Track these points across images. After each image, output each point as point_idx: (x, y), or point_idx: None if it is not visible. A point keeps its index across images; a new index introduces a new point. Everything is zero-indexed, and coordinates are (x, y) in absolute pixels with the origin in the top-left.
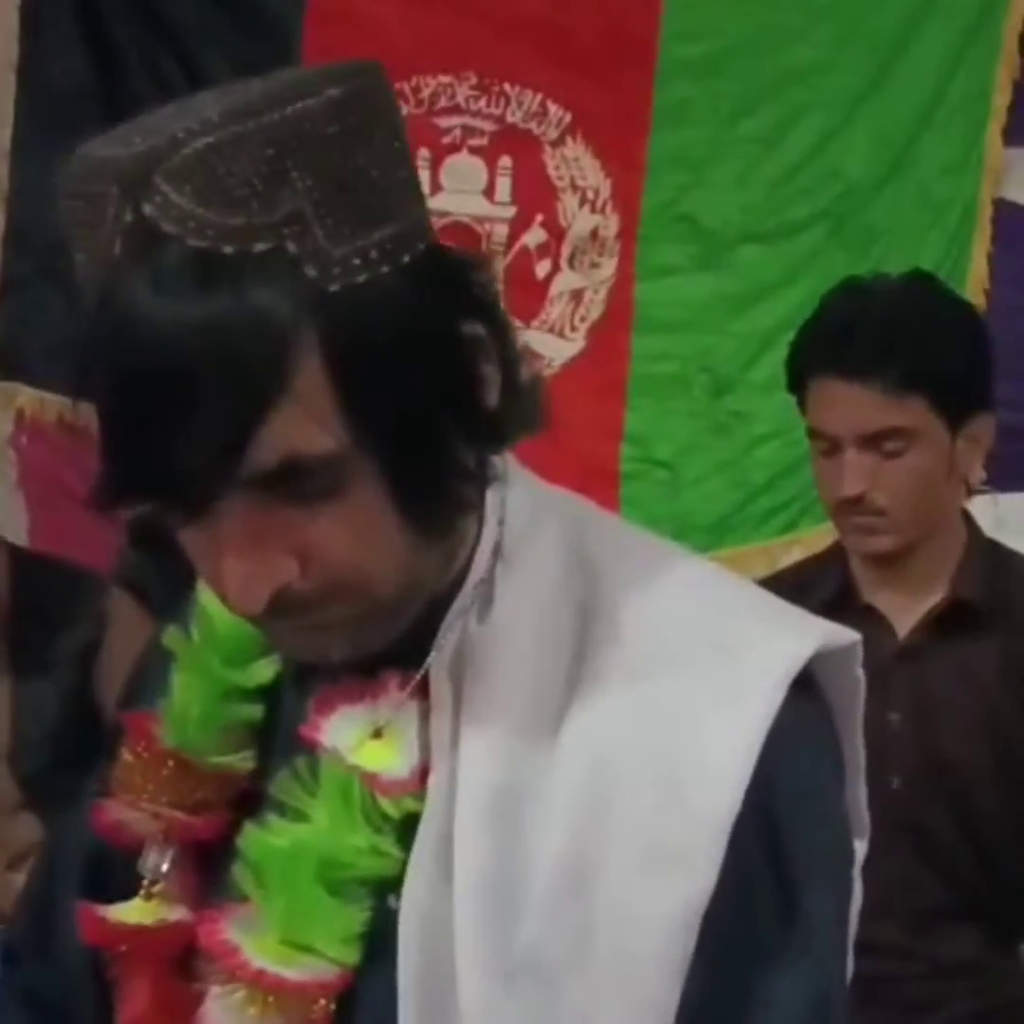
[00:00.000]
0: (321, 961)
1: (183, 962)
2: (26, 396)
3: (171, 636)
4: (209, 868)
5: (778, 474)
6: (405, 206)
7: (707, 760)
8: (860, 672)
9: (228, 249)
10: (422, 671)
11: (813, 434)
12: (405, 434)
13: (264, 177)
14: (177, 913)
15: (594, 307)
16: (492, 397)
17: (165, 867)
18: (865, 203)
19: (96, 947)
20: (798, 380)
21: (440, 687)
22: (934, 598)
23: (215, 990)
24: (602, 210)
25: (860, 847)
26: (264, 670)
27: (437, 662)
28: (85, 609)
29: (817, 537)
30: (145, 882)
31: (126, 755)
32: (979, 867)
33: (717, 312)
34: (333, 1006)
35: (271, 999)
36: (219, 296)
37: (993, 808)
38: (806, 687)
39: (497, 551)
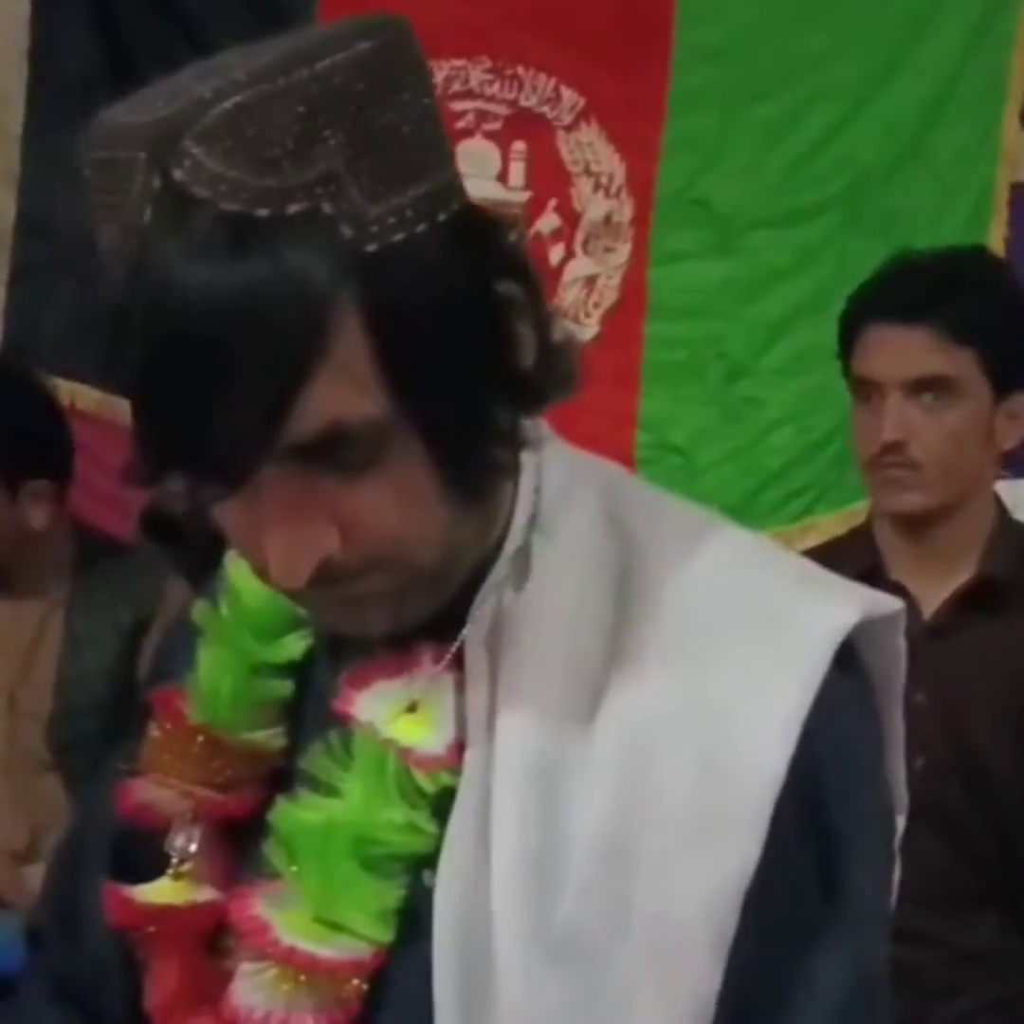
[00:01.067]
0: (354, 939)
1: (211, 943)
2: None
3: (200, 611)
4: (239, 847)
5: (793, 460)
6: (437, 163)
7: (749, 733)
8: (902, 642)
9: (262, 211)
10: (457, 643)
11: (857, 383)
12: (445, 396)
13: (296, 136)
14: (205, 893)
15: (608, 293)
16: (527, 358)
17: (193, 846)
18: (879, 189)
19: (123, 928)
20: (849, 334)
21: (476, 659)
22: (962, 576)
23: (245, 967)
24: (616, 195)
25: (899, 822)
26: (294, 645)
27: (473, 634)
28: (138, 587)
29: (832, 523)
30: (173, 862)
31: (154, 732)
32: (1000, 852)
33: (731, 298)
34: (365, 986)
35: (302, 977)
36: (254, 260)
37: (1016, 792)
38: (848, 658)
39: (533, 520)
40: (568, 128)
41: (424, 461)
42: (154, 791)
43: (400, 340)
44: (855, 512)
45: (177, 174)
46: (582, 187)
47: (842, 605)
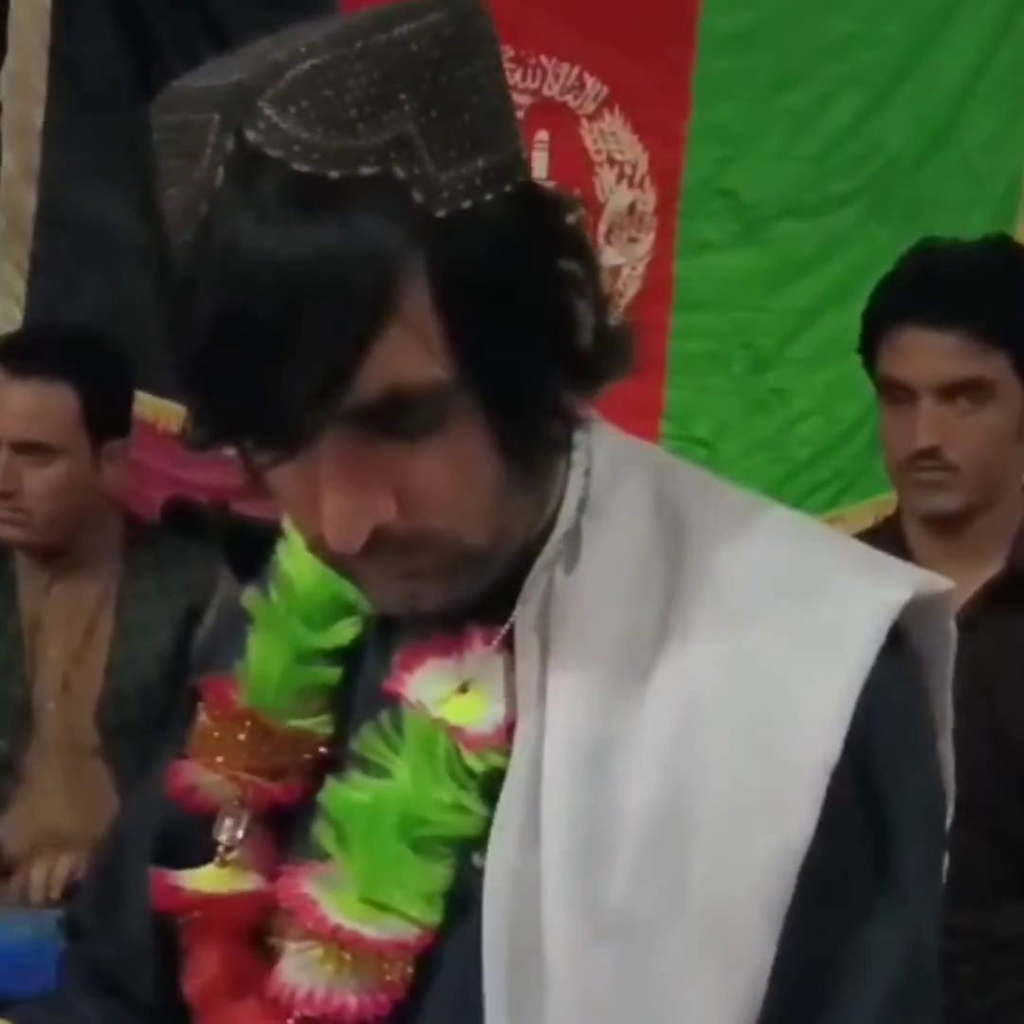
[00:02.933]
0: (401, 921)
1: (254, 932)
2: None
3: (250, 598)
4: (286, 833)
5: (819, 451)
6: (506, 135)
7: (803, 709)
8: (951, 625)
9: (334, 173)
10: (508, 625)
11: (886, 386)
12: (507, 366)
13: (371, 100)
14: (250, 881)
15: (632, 283)
16: (585, 337)
17: (240, 833)
18: (907, 177)
19: (167, 914)
20: (873, 332)
21: (527, 640)
22: (992, 570)
23: (291, 946)
24: (640, 185)
25: (948, 809)
26: (344, 632)
27: (523, 615)
28: (191, 577)
29: (859, 514)
30: (219, 849)
31: (203, 718)
32: None
33: (756, 288)
34: (410, 969)
35: (348, 957)
36: (325, 221)
37: None
38: (898, 639)
39: (583, 502)
40: (591, 117)
41: (482, 431)
42: (202, 776)
43: (466, 305)
44: (882, 502)
45: (251, 135)
46: (605, 177)
47: (894, 583)
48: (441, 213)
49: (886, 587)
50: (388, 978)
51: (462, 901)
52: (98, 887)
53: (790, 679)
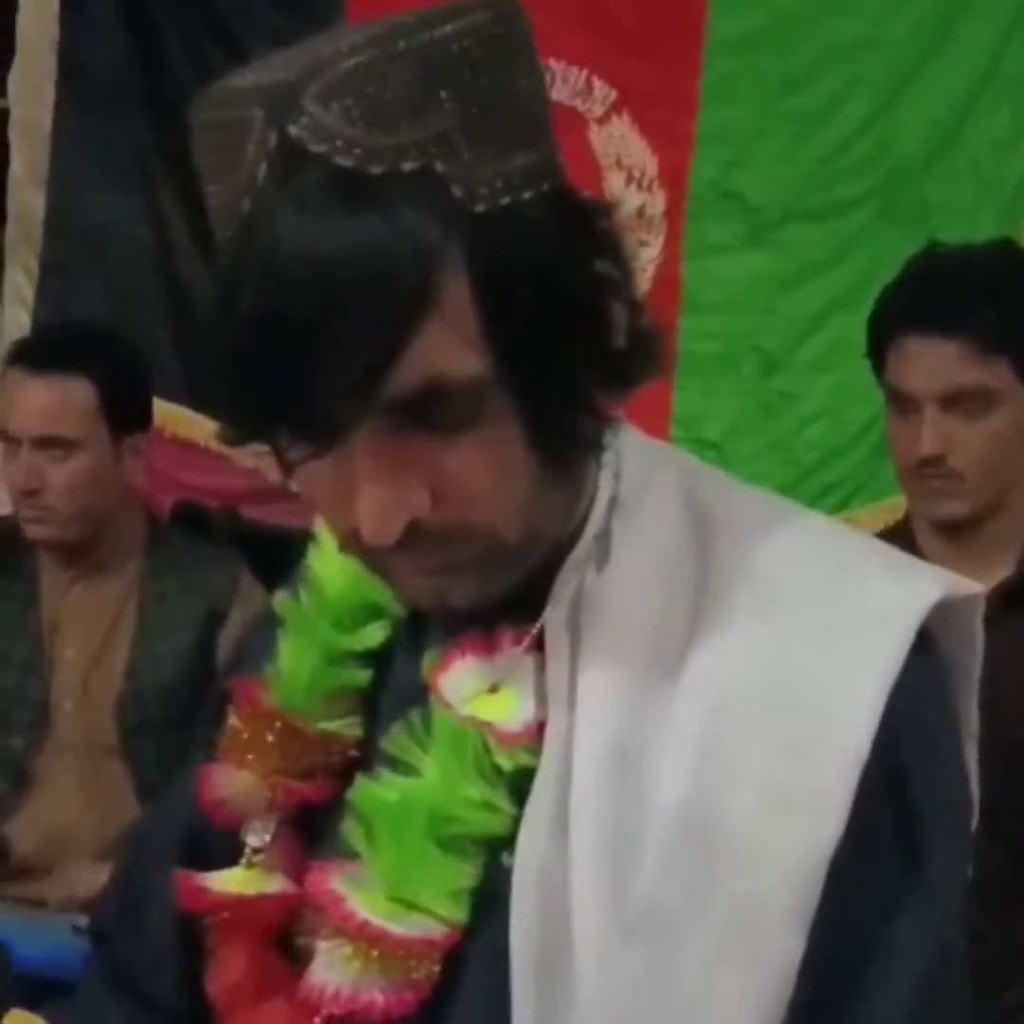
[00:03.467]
0: (429, 919)
1: (280, 934)
2: None
3: (280, 601)
4: (314, 833)
5: (828, 454)
6: (544, 135)
7: (834, 707)
8: (979, 628)
9: (375, 169)
10: (539, 624)
11: (891, 395)
12: (543, 362)
13: (413, 96)
14: (277, 883)
15: (640, 286)
16: (619, 339)
17: (268, 836)
18: (915, 180)
19: (193, 915)
20: (879, 339)
21: (557, 640)
22: (1001, 573)
23: (321, 945)
24: (648, 188)
25: (974, 811)
26: (373, 634)
27: (553, 615)
28: (213, 579)
29: (869, 517)
30: (247, 851)
31: (233, 720)
32: None
33: (765, 291)
34: (437, 968)
35: (375, 954)
36: (366, 215)
37: None
38: (926, 641)
39: (613, 503)
40: (599, 121)
41: (517, 426)
42: (231, 777)
43: (503, 300)
44: (892, 506)
45: (293, 131)
46: (614, 180)
47: (924, 583)
48: (480, 208)
49: (916, 587)
50: (415, 976)
51: (490, 900)
52: (122, 891)
53: (820, 678)
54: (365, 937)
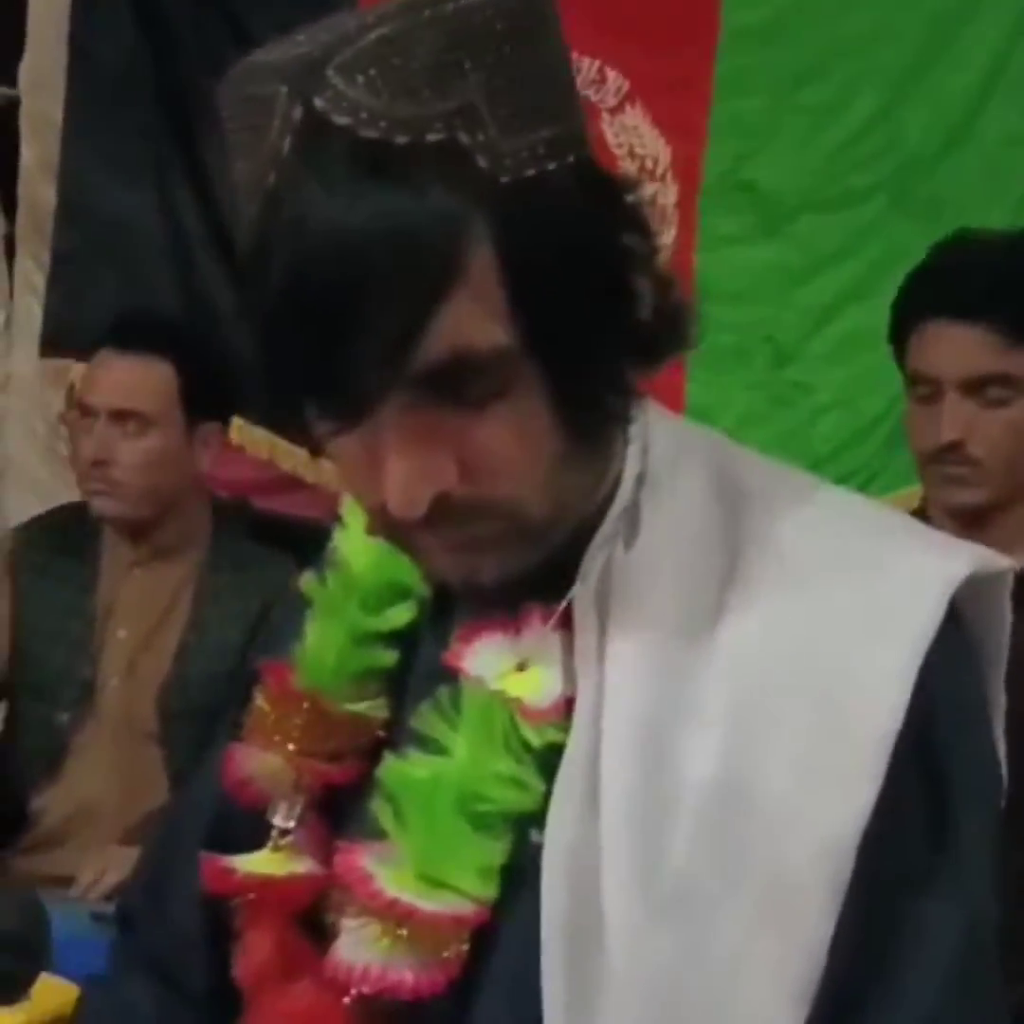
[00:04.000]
0: (458, 896)
1: (307, 915)
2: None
3: (307, 582)
4: (341, 814)
5: (841, 445)
6: (569, 108)
7: (865, 680)
8: (1007, 606)
9: (400, 139)
10: (566, 600)
11: (912, 380)
12: (570, 334)
13: (437, 68)
14: (304, 865)
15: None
16: (645, 313)
17: (295, 817)
18: (927, 172)
19: (219, 897)
20: (903, 324)
21: (585, 616)
22: (1017, 563)
23: (348, 923)
24: (661, 179)
25: (1003, 788)
26: (400, 615)
27: (582, 591)
28: (268, 577)
29: None
30: (274, 833)
31: (260, 701)
32: None
33: (778, 282)
34: (466, 946)
35: (404, 932)
36: (392, 186)
37: None
38: (955, 618)
39: (641, 478)
40: (612, 111)
41: (544, 400)
42: (257, 758)
43: (530, 272)
44: (905, 497)
45: (318, 104)
46: (626, 170)
47: (955, 557)
48: (505, 179)
49: (947, 561)
50: (444, 954)
51: (520, 878)
52: (149, 875)
53: (851, 651)
54: (394, 915)
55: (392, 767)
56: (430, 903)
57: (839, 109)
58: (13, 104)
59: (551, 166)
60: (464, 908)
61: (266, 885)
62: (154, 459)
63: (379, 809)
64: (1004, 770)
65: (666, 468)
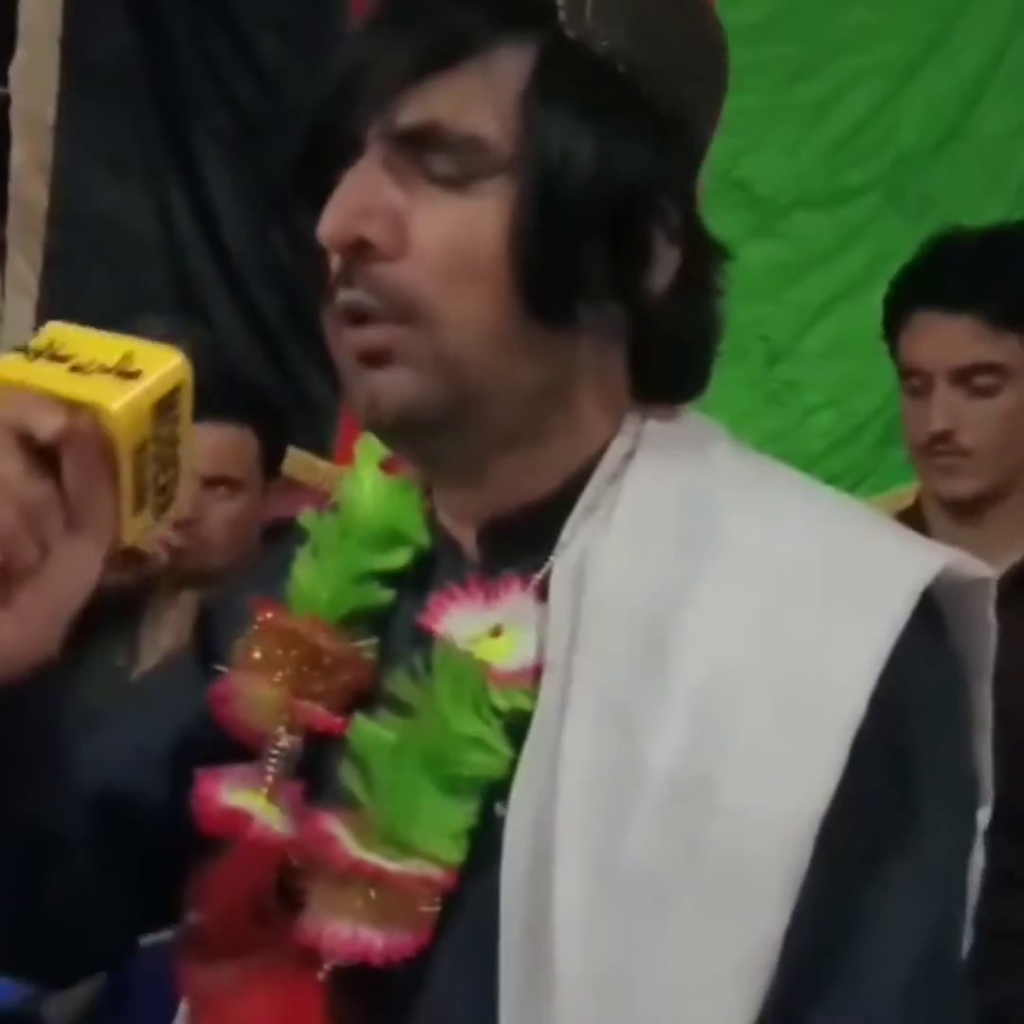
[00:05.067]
0: (424, 860)
1: (279, 881)
2: None
3: (306, 517)
4: (317, 784)
5: (834, 443)
6: (668, 61)
7: (831, 668)
8: (991, 616)
9: None
10: (543, 572)
11: (904, 373)
12: (562, 193)
13: None
14: (286, 825)
15: None
16: (661, 277)
17: (287, 759)
18: (923, 169)
19: (209, 833)
20: (893, 319)
21: (561, 588)
22: (1013, 557)
23: (317, 888)
24: None
25: (983, 814)
26: (398, 557)
27: (559, 563)
28: None
29: (875, 507)
30: (268, 777)
31: (250, 635)
32: None
33: (772, 280)
34: (436, 909)
35: (373, 893)
36: None
37: None
38: (933, 614)
39: (631, 456)
40: None
41: (502, 228)
42: (254, 687)
43: (554, 107)
44: (898, 496)
45: None
46: None
47: (931, 550)
48: (573, 35)
49: (922, 554)
50: (414, 917)
51: (485, 849)
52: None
53: (819, 639)
54: (361, 875)
55: (361, 728)
56: (397, 865)
57: (834, 106)
58: (3, 102)
59: (620, 68)
60: (431, 871)
61: (248, 826)
62: (241, 518)
63: (346, 771)
64: (987, 779)
65: (652, 446)
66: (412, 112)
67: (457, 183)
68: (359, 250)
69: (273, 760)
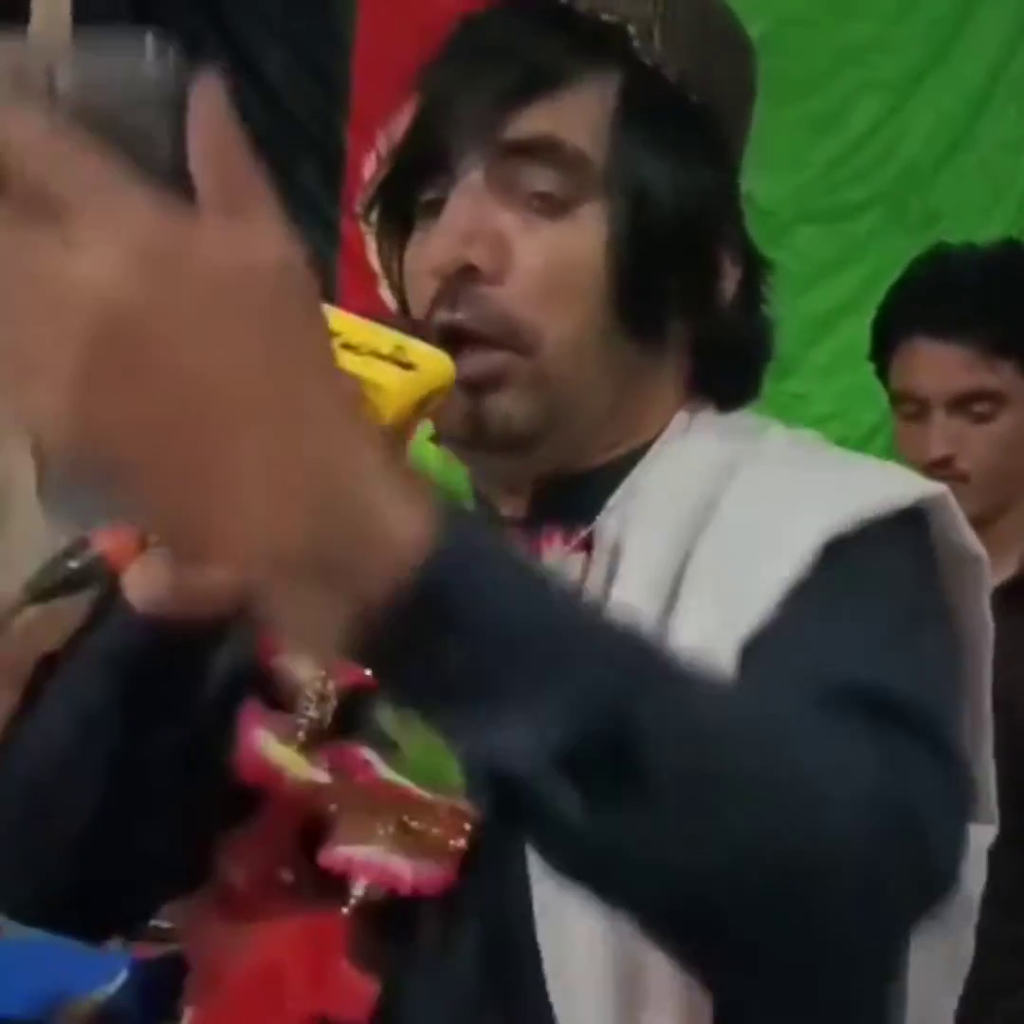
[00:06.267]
0: (455, 793)
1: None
2: None
3: None
4: (352, 732)
5: None
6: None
7: (785, 533)
8: (988, 616)
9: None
10: (590, 528)
11: (898, 398)
12: (652, 216)
13: None
14: (319, 776)
15: None
16: (727, 286)
17: (327, 713)
18: (924, 183)
19: (248, 781)
20: (885, 342)
21: (603, 544)
22: (1006, 573)
23: (346, 815)
24: None
25: (989, 831)
26: None
27: (606, 521)
28: None
29: None
30: (301, 726)
31: None
32: None
33: (776, 294)
34: (463, 844)
35: (405, 818)
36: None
37: None
38: (923, 531)
39: (686, 432)
40: None
41: (601, 247)
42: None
43: (640, 130)
44: None
45: None
46: None
47: (910, 480)
48: (649, 61)
49: (920, 481)
50: (444, 847)
51: None
52: None
53: (784, 515)
54: (392, 798)
55: None
56: (428, 792)
57: (836, 120)
58: None
59: (692, 97)
60: (461, 803)
61: (293, 786)
62: None
63: (382, 716)
64: (991, 795)
65: (705, 430)
66: (522, 128)
67: (556, 204)
68: (464, 273)
69: (308, 708)
